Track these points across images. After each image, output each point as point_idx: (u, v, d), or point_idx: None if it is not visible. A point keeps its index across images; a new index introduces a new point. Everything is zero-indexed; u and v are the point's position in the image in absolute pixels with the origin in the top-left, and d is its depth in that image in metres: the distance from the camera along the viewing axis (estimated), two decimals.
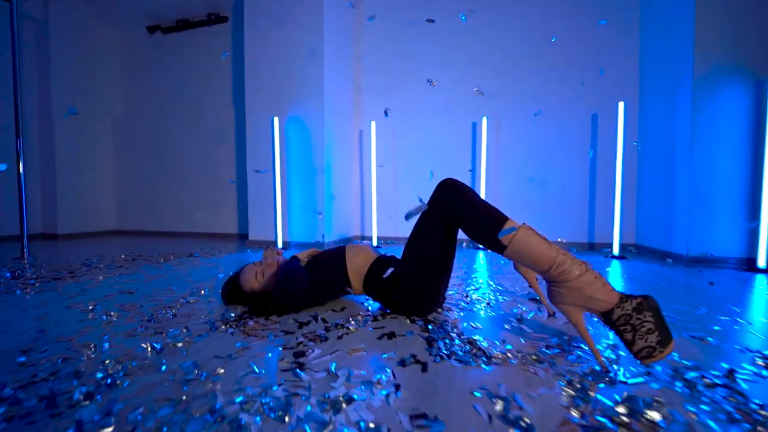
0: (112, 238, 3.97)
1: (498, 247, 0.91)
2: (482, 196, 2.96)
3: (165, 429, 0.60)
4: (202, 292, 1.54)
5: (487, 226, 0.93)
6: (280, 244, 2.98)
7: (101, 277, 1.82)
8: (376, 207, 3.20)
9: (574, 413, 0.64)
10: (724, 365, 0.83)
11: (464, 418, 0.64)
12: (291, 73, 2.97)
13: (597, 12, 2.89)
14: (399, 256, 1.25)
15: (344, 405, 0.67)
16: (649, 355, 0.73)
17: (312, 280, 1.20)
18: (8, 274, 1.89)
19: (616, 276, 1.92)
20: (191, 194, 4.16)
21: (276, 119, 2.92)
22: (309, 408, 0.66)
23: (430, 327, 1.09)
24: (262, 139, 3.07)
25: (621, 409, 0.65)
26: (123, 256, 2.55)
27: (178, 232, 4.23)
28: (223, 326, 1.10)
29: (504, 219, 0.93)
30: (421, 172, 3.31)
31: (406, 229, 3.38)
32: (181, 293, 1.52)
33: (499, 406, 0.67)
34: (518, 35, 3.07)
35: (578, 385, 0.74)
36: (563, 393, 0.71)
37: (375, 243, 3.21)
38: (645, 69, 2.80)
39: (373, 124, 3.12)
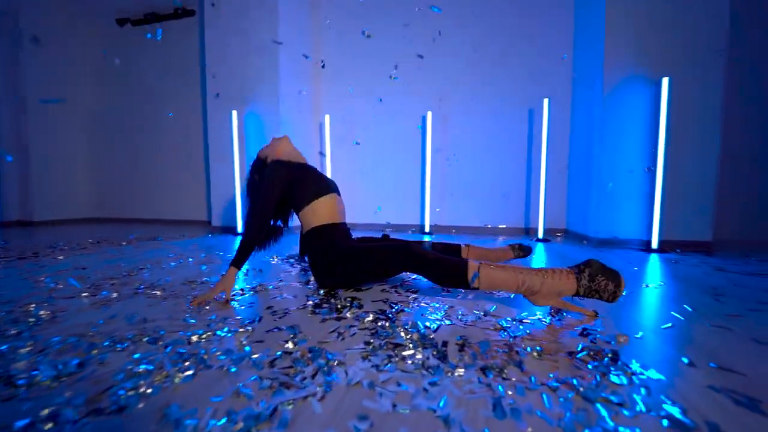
0: (87, 225, 4.15)
1: (469, 288, 1.09)
2: (428, 185, 3.21)
3: (66, 355, 0.84)
4: (141, 269, 1.77)
5: (454, 279, 1.10)
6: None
7: (61, 257, 2.04)
8: None
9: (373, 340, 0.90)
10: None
11: (315, 328, 0.89)
12: (249, 70, 3.14)
13: (536, 19, 3.11)
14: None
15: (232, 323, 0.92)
16: (614, 297, 0.97)
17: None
18: None
19: (537, 257, 2.18)
20: (162, 182, 4.34)
21: (234, 113, 3.11)
22: (200, 331, 0.91)
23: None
24: (223, 131, 3.26)
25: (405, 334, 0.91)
26: (89, 241, 2.75)
27: (151, 219, 4.43)
28: (156, 292, 1.34)
29: (463, 265, 1.08)
30: (377, 162, 3.54)
31: (362, 216, 3.62)
32: (126, 268, 1.75)
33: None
34: (465, 38, 3.27)
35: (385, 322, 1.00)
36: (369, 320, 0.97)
37: None
38: (576, 70, 3.04)
39: (327, 117, 3.33)
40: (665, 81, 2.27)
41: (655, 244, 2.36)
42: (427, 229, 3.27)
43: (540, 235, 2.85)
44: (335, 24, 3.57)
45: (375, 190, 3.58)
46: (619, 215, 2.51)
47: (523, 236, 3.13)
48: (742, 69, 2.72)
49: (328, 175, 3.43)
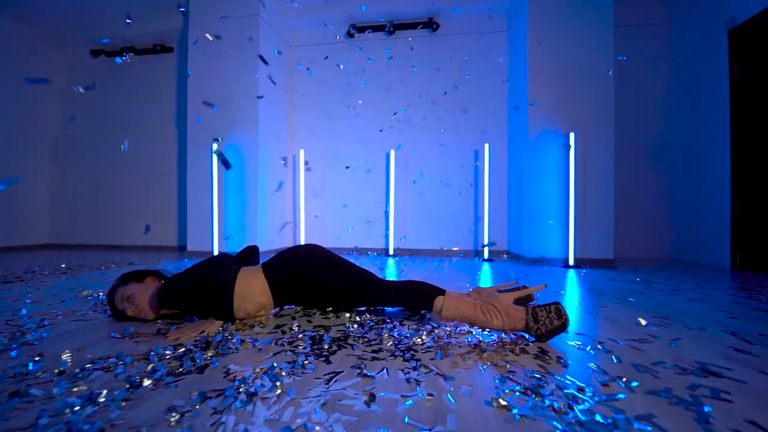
0: (42, 252, 4.03)
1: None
2: (392, 212, 3.65)
3: None
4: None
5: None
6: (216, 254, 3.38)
7: None
8: (305, 221, 3.74)
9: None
10: None
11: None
12: (229, 106, 3.46)
13: (478, 87, 3.80)
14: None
15: None
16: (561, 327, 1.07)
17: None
18: None
19: (485, 273, 2.66)
20: (133, 209, 4.38)
21: (215, 145, 3.38)
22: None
23: None
24: (202, 161, 3.49)
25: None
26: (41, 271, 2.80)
27: (119, 245, 4.40)
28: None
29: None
30: (346, 192, 3.94)
31: (331, 241, 3.96)
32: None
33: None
34: (422, 89, 3.88)
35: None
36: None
37: None
38: (510, 123, 3.74)
39: (302, 152, 3.70)
40: (572, 135, 2.96)
41: (572, 261, 2.96)
42: (391, 252, 3.68)
43: (486, 255, 3.37)
44: (312, 67, 4.03)
45: (344, 217, 3.95)
46: (546, 239, 3.11)
47: (474, 257, 3.64)
48: (626, 125, 3.54)
49: (302, 199, 3.75)
